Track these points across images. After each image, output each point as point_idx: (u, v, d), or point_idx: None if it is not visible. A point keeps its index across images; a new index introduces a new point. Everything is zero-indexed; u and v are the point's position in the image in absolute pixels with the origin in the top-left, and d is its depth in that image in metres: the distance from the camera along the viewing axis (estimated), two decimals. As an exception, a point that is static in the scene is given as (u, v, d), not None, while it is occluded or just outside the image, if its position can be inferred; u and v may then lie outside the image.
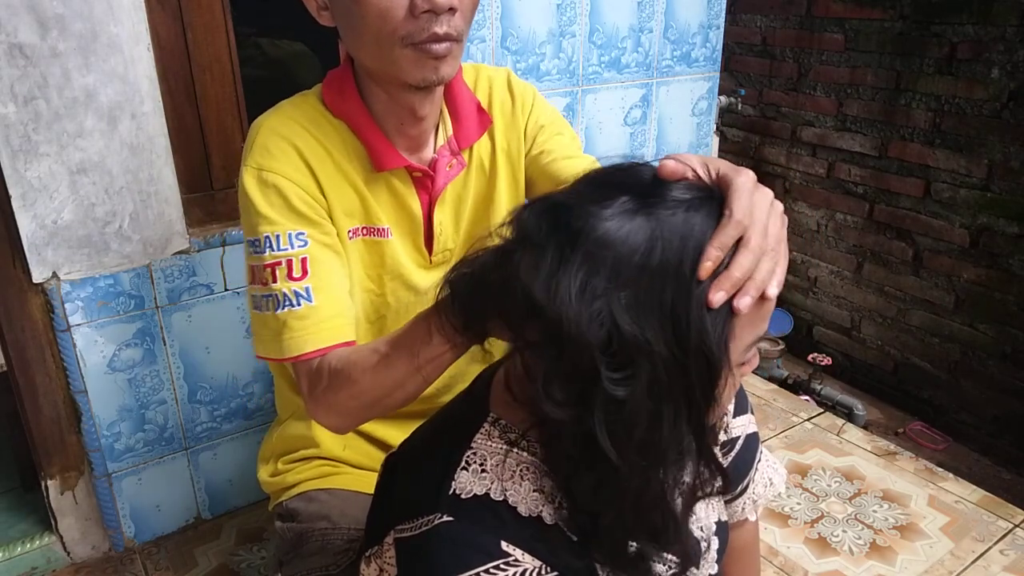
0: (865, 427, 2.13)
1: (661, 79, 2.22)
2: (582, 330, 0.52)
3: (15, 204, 1.32)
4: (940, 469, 1.89)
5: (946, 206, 2.01)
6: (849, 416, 2.16)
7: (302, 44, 2.07)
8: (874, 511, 1.74)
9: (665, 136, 2.26)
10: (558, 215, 0.56)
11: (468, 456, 0.65)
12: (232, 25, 1.52)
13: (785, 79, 2.34)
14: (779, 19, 2.31)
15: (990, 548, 1.62)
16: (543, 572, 0.61)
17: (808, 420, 2.10)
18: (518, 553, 0.61)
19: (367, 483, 0.87)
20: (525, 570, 0.60)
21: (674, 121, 2.31)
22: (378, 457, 1.01)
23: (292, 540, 1.02)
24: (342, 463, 1.09)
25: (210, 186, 1.59)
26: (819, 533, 1.67)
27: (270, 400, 1.73)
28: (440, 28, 0.84)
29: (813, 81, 2.26)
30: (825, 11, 2.18)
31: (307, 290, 0.87)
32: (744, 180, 0.56)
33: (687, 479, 0.63)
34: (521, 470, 0.64)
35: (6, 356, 1.45)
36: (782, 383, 2.34)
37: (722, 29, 2.32)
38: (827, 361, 2.31)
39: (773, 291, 0.56)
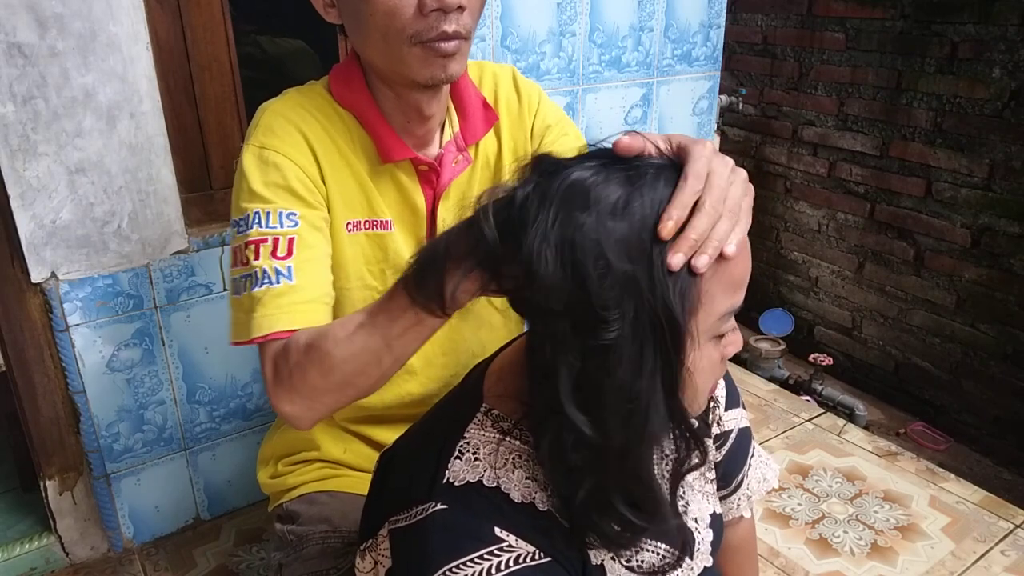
0: (866, 427, 2.13)
1: (662, 78, 2.22)
2: (568, 264, 0.53)
3: (14, 204, 1.32)
4: (941, 470, 1.89)
5: (947, 206, 2.01)
6: (850, 416, 2.15)
7: (302, 42, 2.06)
8: (875, 512, 1.73)
9: (666, 135, 2.26)
10: (541, 166, 0.58)
11: (461, 446, 0.66)
12: (231, 24, 1.51)
13: (786, 78, 2.34)
14: (780, 18, 2.31)
15: (991, 549, 1.62)
16: (536, 557, 0.61)
17: (809, 420, 2.10)
18: (511, 539, 0.61)
19: (367, 486, 0.86)
20: (519, 555, 0.61)
21: (675, 120, 2.31)
22: (378, 459, 1.01)
23: (292, 542, 1.02)
24: (343, 466, 1.09)
25: (209, 186, 1.59)
26: (820, 534, 1.67)
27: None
28: (449, 26, 0.83)
29: (814, 80, 2.26)
30: (826, 10, 2.18)
31: (289, 269, 0.84)
32: (701, 148, 0.58)
33: (668, 454, 0.63)
34: (514, 458, 0.65)
35: (5, 356, 1.44)
36: (783, 383, 2.34)
37: (723, 28, 2.32)
38: (828, 361, 2.31)
39: (730, 249, 0.57)
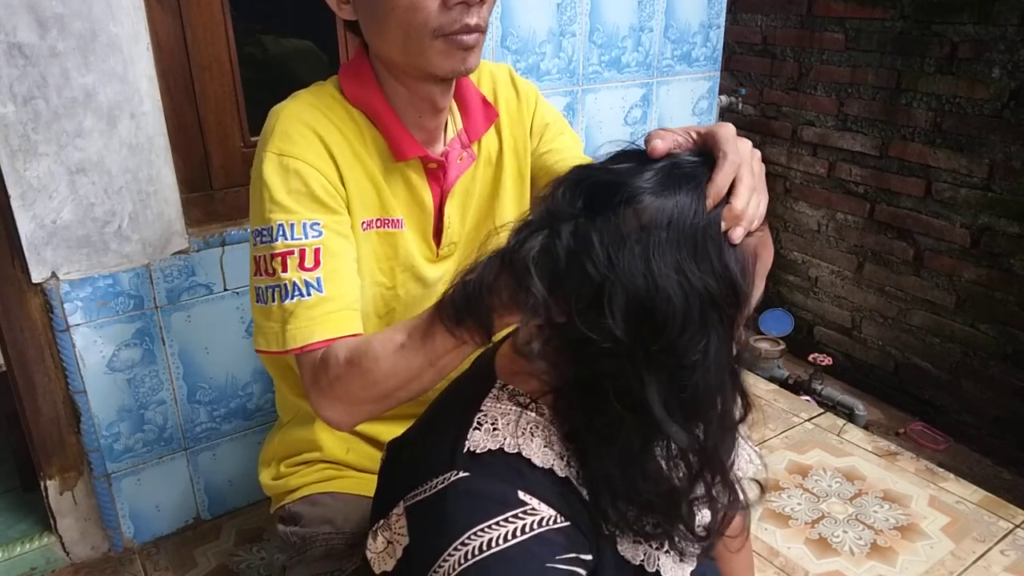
0: (866, 427, 2.13)
1: (661, 78, 2.22)
2: (664, 300, 0.56)
3: (14, 204, 1.32)
4: (941, 469, 1.89)
5: (947, 206, 2.01)
6: (850, 416, 2.16)
7: (307, 41, 2.06)
8: (875, 511, 1.74)
9: (665, 135, 2.26)
10: (596, 192, 0.60)
11: (479, 418, 0.67)
12: (232, 24, 1.51)
13: (786, 78, 2.34)
14: (780, 18, 2.31)
15: (991, 548, 1.62)
16: (557, 520, 0.62)
17: (809, 420, 2.10)
18: (534, 502, 0.62)
19: (371, 486, 0.86)
20: (542, 518, 0.62)
21: (675, 121, 2.31)
22: (381, 460, 1.01)
23: (296, 544, 1.02)
24: (345, 466, 1.09)
25: (209, 186, 1.58)
26: (820, 534, 1.67)
27: (270, 400, 1.73)
28: (471, 19, 0.85)
29: (814, 80, 2.26)
30: (826, 10, 2.18)
31: (318, 280, 0.85)
32: (727, 129, 0.62)
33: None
34: (531, 428, 0.66)
35: (5, 356, 1.44)
36: (783, 383, 2.34)
37: (722, 28, 2.32)
38: (828, 361, 2.31)
39: (756, 223, 0.61)
